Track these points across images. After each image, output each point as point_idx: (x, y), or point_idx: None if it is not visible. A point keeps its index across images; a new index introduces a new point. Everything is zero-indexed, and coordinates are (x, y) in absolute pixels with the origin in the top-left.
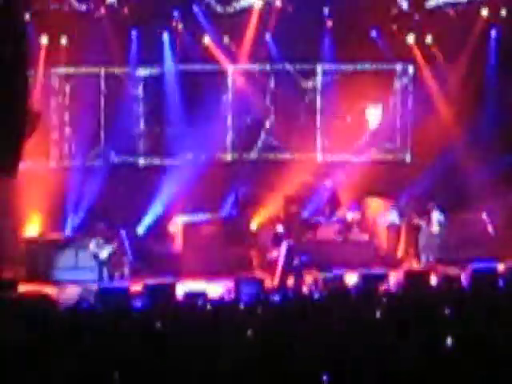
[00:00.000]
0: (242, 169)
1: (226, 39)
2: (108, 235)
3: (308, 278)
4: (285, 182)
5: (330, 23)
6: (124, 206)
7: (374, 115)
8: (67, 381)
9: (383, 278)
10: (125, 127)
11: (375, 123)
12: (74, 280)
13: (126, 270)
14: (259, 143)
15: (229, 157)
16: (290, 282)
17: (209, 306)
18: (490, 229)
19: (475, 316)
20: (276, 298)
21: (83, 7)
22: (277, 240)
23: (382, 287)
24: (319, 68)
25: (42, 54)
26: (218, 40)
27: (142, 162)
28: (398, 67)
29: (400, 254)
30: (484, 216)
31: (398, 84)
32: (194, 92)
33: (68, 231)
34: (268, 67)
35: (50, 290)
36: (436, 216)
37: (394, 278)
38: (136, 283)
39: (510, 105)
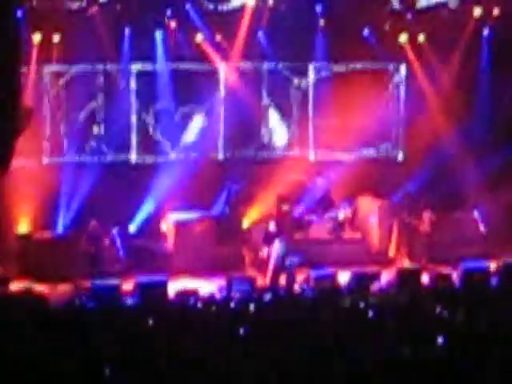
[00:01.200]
0: (234, 167)
1: (218, 37)
2: (100, 233)
3: (300, 277)
4: (277, 181)
5: (322, 22)
6: (116, 203)
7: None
8: (59, 379)
9: (375, 276)
10: (117, 124)
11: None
12: (66, 278)
13: (118, 268)
14: (251, 141)
15: (221, 155)
16: (282, 280)
17: (200, 305)
18: (481, 228)
19: (467, 315)
20: (268, 296)
21: (76, 5)
22: (269, 238)
23: (374, 286)
24: (311, 67)
25: (35, 51)
26: (210, 38)
27: (134, 159)
28: (391, 66)
29: (392, 252)
30: (476, 215)
31: (390, 83)
32: (186, 90)
33: (60, 228)
34: (261, 66)
35: (41, 288)
36: (427, 215)
37: (386, 277)
38: (128, 281)
39: (502, 104)
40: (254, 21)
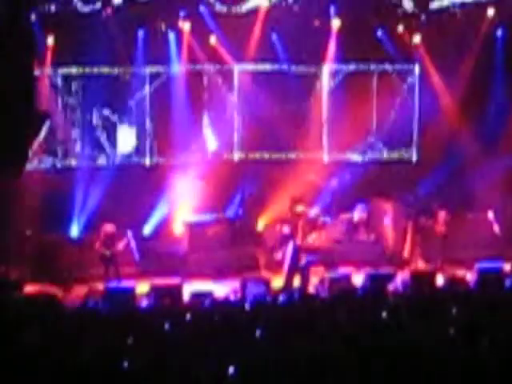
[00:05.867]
0: (248, 169)
1: (232, 39)
2: (114, 235)
3: (314, 278)
4: (291, 182)
5: (336, 23)
6: (130, 206)
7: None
8: (73, 380)
9: (390, 278)
10: (132, 127)
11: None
12: (80, 280)
13: (133, 271)
14: (266, 143)
15: (235, 156)
16: (297, 282)
17: (215, 307)
18: (496, 229)
19: (481, 316)
20: (282, 298)
21: (89, 7)
22: (283, 240)
23: (389, 287)
24: (325, 68)
25: (48, 54)
26: (224, 40)
27: (148, 161)
28: (405, 67)
29: (406, 254)
30: (490, 216)
31: (404, 84)
32: (200, 92)
33: (74, 231)
34: (274, 67)
35: (55, 291)
36: (442, 216)
37: (401, 278)
38: (142, 284)
39: None
40: (267, 22)
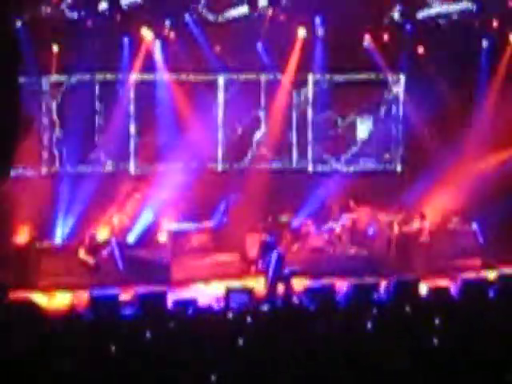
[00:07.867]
0: (232, 178)
1: (217, 48)
2: (98, 243)
3: (298, 287)
4: (275, 192)
5: (321, 33)
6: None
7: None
8: None
9: (373, 287)
10: (116, 135)
11: (365, 135)
12: (64, 288)
13: (116, 278)
14: (250, 153)
15: (219, 166)
16: (280, 291)
17: (198, 315)
18: (479, 239)
19: (464, 326)
20: (265, 307)
21: (75, 15)
22: (267, 249)
23: (373, 296)
24: (310, 78)
25: (34, 61)
26: (209, 49)
27: (132, 169)
28: (390, 77)
29: (390, 263)
30: (474, 226)
31: (389, 94)
32: (185, 100)
33: (58, 238)
34: (259, 76)
35: (39, 298)
36: (426, 226)
37: (384, 288)
38: (126, 291)
39: (501, 114)
40: (252, 31)
